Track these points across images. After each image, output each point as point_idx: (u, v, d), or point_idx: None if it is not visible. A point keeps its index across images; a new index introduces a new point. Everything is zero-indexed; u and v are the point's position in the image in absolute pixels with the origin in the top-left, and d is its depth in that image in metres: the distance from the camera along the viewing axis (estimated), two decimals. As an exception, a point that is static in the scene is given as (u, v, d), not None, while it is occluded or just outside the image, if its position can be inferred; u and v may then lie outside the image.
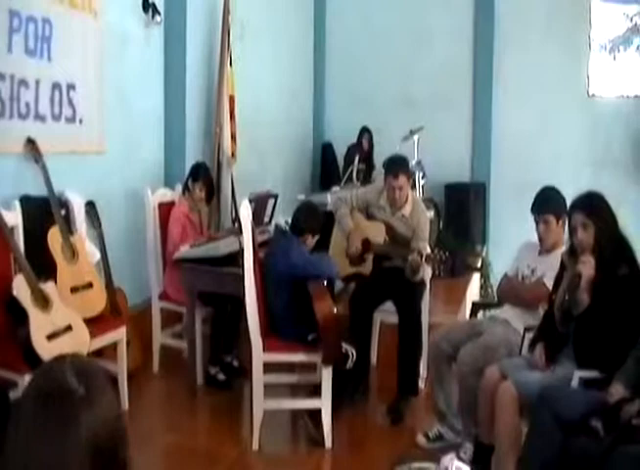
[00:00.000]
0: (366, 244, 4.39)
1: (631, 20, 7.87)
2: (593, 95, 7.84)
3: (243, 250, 3.69)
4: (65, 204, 4.05)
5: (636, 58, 7.88)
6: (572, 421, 2.67)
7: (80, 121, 4.41)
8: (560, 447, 2.67)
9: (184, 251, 4.38)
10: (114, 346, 3.96)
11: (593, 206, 3.08)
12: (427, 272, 4.37)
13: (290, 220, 4.10)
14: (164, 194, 4.88)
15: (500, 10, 7.85)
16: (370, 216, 4.47)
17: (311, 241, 3.93)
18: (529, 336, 3.36)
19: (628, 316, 2.94)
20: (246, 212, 3.73)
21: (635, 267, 3.01)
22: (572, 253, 3.12)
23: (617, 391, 2.72)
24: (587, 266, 2.96)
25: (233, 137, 5.78)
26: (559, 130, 7.75)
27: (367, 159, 7.43)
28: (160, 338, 4.72)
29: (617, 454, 2.39)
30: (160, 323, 4.73)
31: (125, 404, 4.00)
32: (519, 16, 7.80)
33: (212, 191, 4.99)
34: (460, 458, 3.35)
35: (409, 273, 4.09)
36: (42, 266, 3.59)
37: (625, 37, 7.90)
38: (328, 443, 3.71)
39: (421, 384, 4.35)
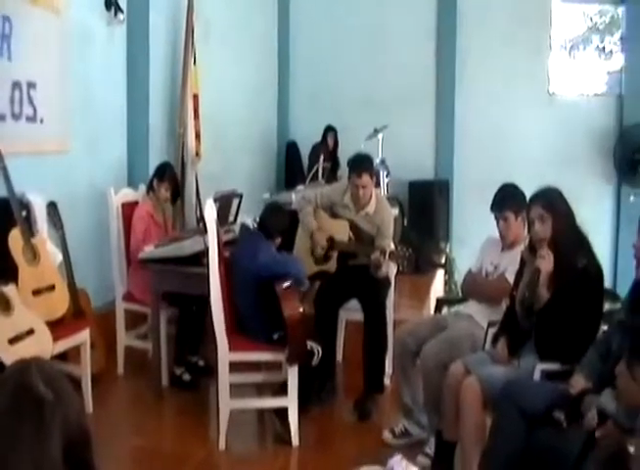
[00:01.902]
0: (330, 242, 4.41)
1: (591, 19, 8.01)
2: (554, 93, 7.97)
3: (208, 249, 3.68)
4: (26, 205, 3.98)
5: (595, 57, 8.03)
6: (536, 414, 2.71)
7: (41, 121, 4.35)
8: (524, 440, 2.71)
9: (149, 251, 4.34)
10: (77, 348, 3.92)
11: (550, 199, 3.13)
12: (391, 269, 4.40)
13: (256, 220, 4.09)
14: (128, 194, 4.84)
15: (462, 10, 7.94)
16: (334, 215, 4.48)
17: (278, 241, 3.94)
18: (493, 331, 3.41)
19: (587, 308, 3.00)
20: (210, 212, 3.72)
21: (593, 260, 3.07)
22: (532, 248, 3.18)
23: (579, 382, 2.77)
24: (546, 261, 3.02)
25: (197, 136, 5.76)
26: (520, 128, 7.86)
27: (332, 157, 7.45)
28: (124, 339, 4.68)
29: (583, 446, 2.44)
30: (125, 324, 4.68)
31: (90, 408, 3.95)
32: (481, 15, 7.89)
33: (178, 191, 4.97)
34: (425, 454, 3.40)
35: (373, 270, 4.12)
36: (3, 269, 3.54)
37: (585, 37, 8.04)
38: (295, 441, 3.72)
39: (387, 380, 4.38)
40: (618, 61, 7.93)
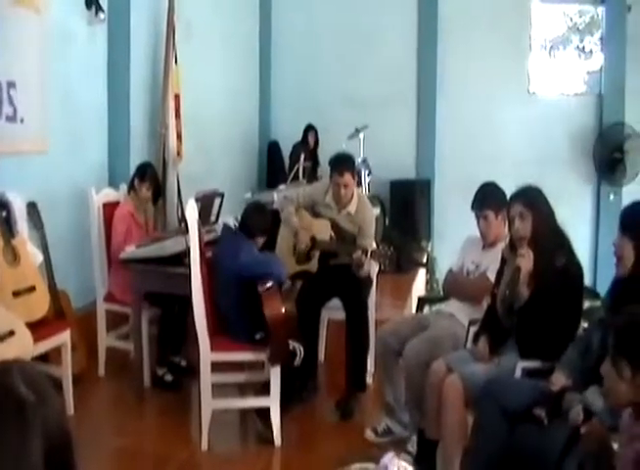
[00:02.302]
0: (312, 242, 4.42)
1: (571, 19, 8.08)
2: (534, 93, 8.03)
3: (189, 249, 3.67)
4: (5, 205, 3.95)
5: (575, 57, 8.10)
6: (517, 411, 2.74)
7: (22, 121, 4.31)
8: (505, 437, 2.74)
9: (130, 251, 4.32)
10: (58, 349, 3.89)
11: (531, 197, 3.17)
12: (373, 268, 4.41)
13: (238, 219, 4.09)
14: (109, 194, 4.81)
15: (444, 10, 7.97)
16: (316, 214, 4.49)
17: (260, 241, 3.94)
18: (474, 329, 3.43)
19: (567, 306, 3.03)
20: (192, 212, 3.71)
21: (572, 258, 3.10)
22: (512, 247, 3.20)
23: (559, 379, 2.80)
24: (526, 260, 3.05)
25: (179, 136, 5.74)
26: (501, 128, 7.92)
27: (313, 156, 7.46)
28: (105, 340, 4.65)
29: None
30: (106, 325, 4.65)
31: (71, 409, 3.92)
32: (461, 16, 7.93)
33: (159, 191, 4.96)
34: (408, 452, 3.41)
35: (355, 269, 4.13)
36: (-18, 270, 3.51)
37: (565, 37, 8.11)
38: (277, 441, 3.71)
39: (369, 379, 4.39)
40: (598, 60, 8.00)
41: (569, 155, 7.81)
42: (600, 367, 2.07)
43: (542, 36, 8.11)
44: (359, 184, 5.28)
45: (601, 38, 7.97)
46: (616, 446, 2.16)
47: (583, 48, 8.15)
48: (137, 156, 5.33)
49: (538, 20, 8.03)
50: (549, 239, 3.11)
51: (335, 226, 4.39)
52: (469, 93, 7.92)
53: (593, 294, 4.45)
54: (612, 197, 7.58)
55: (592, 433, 2.14)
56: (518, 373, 3.05)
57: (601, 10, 7.92)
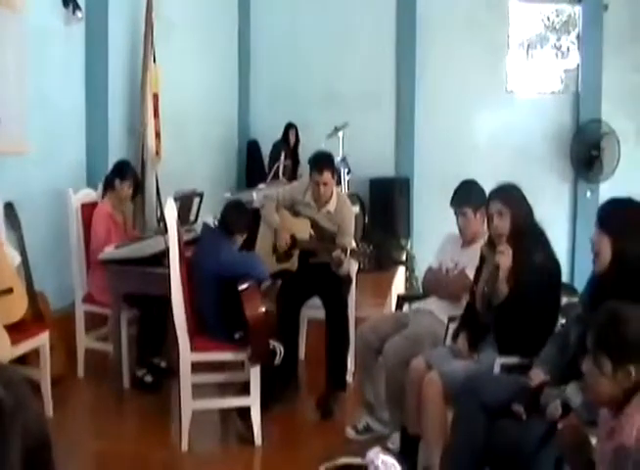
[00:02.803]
0: (292, 240, 4.41)
1: (548, 18, 8.13)
2: (512, 92, 8.07)
3: (169, 249, 3.65)
4: (-18, 206, 3.92)
5: (552, 55, 8.16)
6: (496, 406, 2.75)
7: (-1, 121, 4.27)
8: (484, 433, 2.75)
9: (109, 251, 4.30)
10: (36, 352, 3.86)
11: (509, 194, 3.19)
12: (353, 267, 4.42)
13: (218, 218, 4.07)
14: (87, 194, 4.78)
15: (422, 9, 7.99)
16: (296, 213, 4.49)
17: (240, 239, 3.93)
18: (453, 326, 3.44)
19: (545, 302, 3.06)
20: (171, 212, 3.69)
21: (550, 255, 3.13)
22: (491, 244, 3.22)
23: (537, 375, 2.82)
24: (504, 257, 3.07)
25: (157, 135, 5.71)
26: (479, 126, 7.96)
27: (293, 155, 7.45)
28: (84, 342, 4.61)
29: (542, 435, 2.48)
30: (85, 326, 4.62)
31: (50, 412, 3.88)
32: (440, 15, 7.96)
33: (138, 187, 4.94)
34: (388, 449, 3.42)
35: (334, 267, 4.14)
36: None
37: (542, 36, 8.16)
38: (258, 440, 3.71)
39: (349, 378, 4.40)
40: (575, 59, 8.06)
41: (546, 152, 7.86)
42: (579, 363, 2.09)
43: (519, 35, 8.16)
44: (339, 183, 5.28)
45: (577, 37, 8.03)
46: (594, 441, 2.18)
47: (560, 47, 8.20)
48: (115, 156, 5.30)
49: (516, 19, 8.08)
50: (527, 236, 3.13)
51: (314, 225, 4.39)
52: (447, 92, 7.95)
53: (571, 290, 4.49)
54: (589, 194, 7.65)
55: (569, 428, 2.15)
56: (497, 369, 3.07)
57: (577, 9, 7.98)
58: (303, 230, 4.40)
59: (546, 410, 2.52)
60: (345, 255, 4.02)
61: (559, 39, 8.18)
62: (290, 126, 7.59)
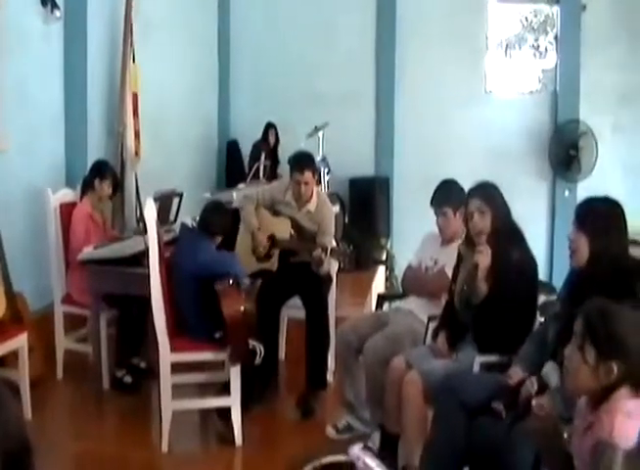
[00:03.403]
0: (272, 240, 4.41)
1: (526, 19, 8.20)
2: (490, 91, 8.13)
3: (148, 250, 3.64)
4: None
5: (530, 55, 8.22)
6: (475, 405, 2.77)
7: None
8: (464, 431, 2.76)
9: (88, 252, 4.27)
10: (15, 353, 3.82)
11: (489, 192, 3.21)
12: (333, 266, 4.42)
13: (197, 218, 4.06)
14: (66, 194, 4.74)
15: (402, 9, 8.02)
16: (276, 213, 4.49)
17: (219, 239, 3.92)
18: (433, 325, 3.46)
19: (523, 300, 3.08)
20: (150, 212, 3.68)
21: (527, 253, 3.16)
22: (469, 243, 3.24)
23: (516, 372, 2.84)
24: (484, 256, 3.08)
25: (137, 135, 5.69)
26: (459, 126, 7.98)
27: (272, 155, 7.44)
28: (63, 343, 4.57)
29: (517, 431, 2.49)
30: (64, 327, 4.58)
31: (29, 414, 3.85)
32: (419, 15, 7.99)
33: (117, 187, 4.91)
34: (368, 448, 3.43)
35: (314, 267, 4.14)
36: None
37: (520, 36, 8.22)
38: (238, 440, 3.71)
39: (329, 377, 4.40)
40: (553, 59, 8.13)
41: (525, 152, 7.92)
42: (557, 360, 2.10)
43: (498, 36, 8.22)
44: (319, 182, 5.29)
45: (555, 37, 8.10)
46: (566, 435, 2.20)
47: (538, 47, 8.28)
48: (95, 156, 5.26)
49: (494, 19, 8.13)
50: (506, 234, 3.16)
51: (295, 224, 4.39)
52: (427, 91, 7.98)
53: (549, 288, 4.52)
54: (567, 193, 7.72)
55: (543, 408, 2.17)
56: (476, 368, 3.09)
57: (556, 9, 8.05)
58: (284, 230, 4.40)
59: (522, 388, 2.55)
60: (326, 254, 4.03)
61: (537, 39, 8.25)
62: (269, 126, 7.58)
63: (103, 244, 4.39)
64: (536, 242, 3.43)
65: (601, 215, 2.69)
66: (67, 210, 4.62)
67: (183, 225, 4.10)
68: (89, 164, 4.99)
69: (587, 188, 6.92)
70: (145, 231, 3.73)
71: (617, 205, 2.74)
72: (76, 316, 4.64)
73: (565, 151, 7.58)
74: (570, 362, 2.05)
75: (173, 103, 6.96)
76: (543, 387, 2.44)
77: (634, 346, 1.95)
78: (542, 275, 3.45)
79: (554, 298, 3.59)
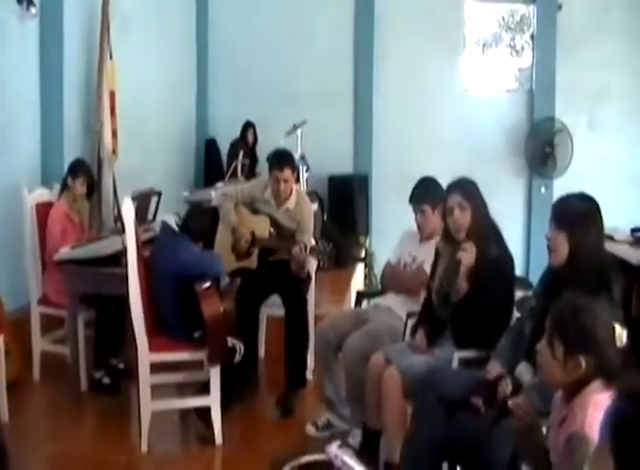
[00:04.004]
0: (251, 238, 4.40)
1: (503, 18, 8.25)
2: (467, 89, 8.17)
3: (126, 249, 3.61)
4: None
5: (507, 54, 8.28)
6: (454, 400, 2.78)
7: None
8: (444, 426, 2.78)
9: (65, 252, 4.24)
10: (-9, 355, 3.79)
11: (468, 188, 3.23)
12: (312, 265, 4.42)
13: (179, 219, 4.03)
14: (42, 194, 4.69)
15: (380, 7, 8.04)
16: (255, 211, 4.48)
17: (200, 244, 3.90)
18: (412, 322, 3.48)
19: (500, 296, 3.11)
20: (128, 211, 3.66)
21: (504, 250, 3.18)
22: (446, 239, 3.26)
23: (494, 368, 2.86)
24: (468, 254, 3.10)
25: (114, 134, 5.65)
26: (437, 123, 8.02)
27: (251, 153, 7.43)
28: (40, 344, 4.52)
29: (497, 431, 2.51)
30: (41, 329, 4.54)
31: (5, 416, 3.81)
32: (397, 13, 8.02)
33: (94, 186, 4.87)
34: (347, 445, 3.43)
35: (295, 269, 4.12)
36: None
37: (497, 35, 8.28)
38: (218, 439, 3.70)
39: (309, 375, 4.40)
40: (529, 58, 8.19)
41: (501, 149, 7.98)
42: (534, 355, 2.13)
43: (475, 34, 8.27)
44: (297, 180, 5.28)
45: (532, 36, 8.17)
46: (544, 429, 2.23)
47: (515, 46, 8.34)
48: (71, 154, 5.22)
49: (472, 18, 8.18)
50: (484, 231, 3.18)
51: (274, 223, 4.39)
52: (405, 89, 8.01)
53: (526, 284, 4.55)
54: (543, 190, 7.79)
55: (520, 406, 2.19)
56: (455, 363, 3.11)
57: (532, 8, 8.11)
58: (263, 228, 4.39)
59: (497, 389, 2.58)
60: (305, 252, 4.02)
61: (513, 38, 8.32)
62: (248, 125, 7.57)
63: (80, 244, 4.35)
64: (513, 238, 3.45)
65: (578, 213, 2.71)
66: (43, 209, 4.58)
67: (164, 224, 4.07)
68: (66, 164, 4.95)
69: (563, 185, 6.99)
70: (123, 230, 3.70)
71: (592, 201, 2.77)
72: (53, 317, 4.60)
73: (541, 148, 7.65)
74: (541, 357, 2.07)
75: (151, 101, 6.92)
76: (518, 387, 2.46)
77: (602, 339, 1.98)
78: (519, 271, 3.48)
79: (530, 293, 3.63)
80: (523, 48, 8.29)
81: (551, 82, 7.80)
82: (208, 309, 3.56)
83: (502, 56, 8.30)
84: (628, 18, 7.79)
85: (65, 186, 4.64)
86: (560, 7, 7.81)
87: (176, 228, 3.88)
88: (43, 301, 4.52)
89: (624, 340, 2.05)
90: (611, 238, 4.01)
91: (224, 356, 3.67)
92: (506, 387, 2.57)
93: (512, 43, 8.31)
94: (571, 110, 7.73)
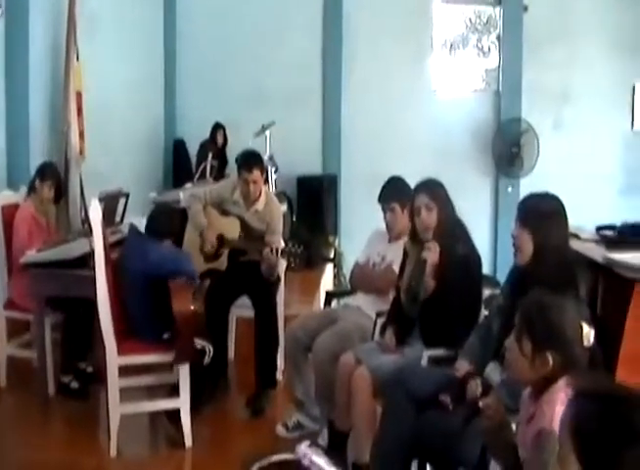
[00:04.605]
0: (221, 240, 4.39)
1: (470, 20, 8.33)
2: (435, 90, 8.23)
3: (94, 251, 3.58)
4: None
5: (474, 55, 8.36)
6: (423, 398, 2.80)
7: None
8: (412, 424, 2.80)
9: (31, 255, 4.18)
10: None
11: (435, 189, 3.26)
12: (281, 265, 4.42)
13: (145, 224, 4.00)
14: (8, 196, 4.63)
15: (348, 8, 8.06)
16: (224, 212, 4.47)
17: (167, 243, 3.88)
18: (381, 321, 3.49)
19: (468, 294, 3.14)
20: (96, 213, 3.63)
21: (472, 249, 3.21)
22: (415, 239, 3.28)
23: (463, 366, 2.89)
24: (432, 252, 3.13)
25: (81, 135, 5.60)
26: (405, 124, 8.07)
27: (220, 155, 7.40)
28: (6, 349, 4.46)
29: (469, 430, 2.53)
30: (7, 333, 4.47)
31: (-29, 423, 3.77)
32: (366, 14, 8.05)
33: (61, 191, 4.81)
34: (317, 445, 3.44)
35: (266, 271, 4.12)
36: None
37: (464, 36, 8.35)
38: (188, 442, 3.68)
39: (279, 375, 4.40)
40: (495, 59, 8.28)
41: (469, 149, 8.06)
42: (501, 352, 2.15)
43: (443, 36, 8.33)
44: (266, 181, 5.28)
45: (498, 37, 8.25)
46: (514, 425, 2.25)
47: (482, 47, 8.41)
48: (37, 156, 5.16)
49: (439, 20, 8.24)
50: (452, 230, 3.21)
51: (243, 224, 4.38)
52: (374, 89, 8.04)
53: (493, 282, 4.61)
54: (510, 189, 7.88)
55: (491, 408, 2.22)
56: (424, 362, 3.13)
57: (498, 10, 8.20)
58: (232, 229, 4.38)
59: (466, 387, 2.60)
60: (276, 254, 4.02)
61: (480, 40, 8.39)
62: (217, 127, 7.53)
63: (47, 246, 4.30)
64: (480, 237, 3.49)
65: (542, 211, 2.75)
66: (9, 212, 4.51)
67: (132, 226, 4.04)
68: (32, 165, 4.89)
69: (529, 184, 7.07)
70: (90, 232, 3.67)
71: (557, 200, 2.81)
72: (19, 321, 4.53)
73: (507, 148, 7.74)
74: (509, 354, 2.10)
75: (118, 102, 6.85)
76: (488, 387, 2.49)
77: (570, 336, 2.01)
78: (486, 270, 3.52)
79: (498, 291, 3.67)
80: (489, 49, 8.37)
81: (517, 83, 7.91)
82: (179, 305, 3.55)
83: (469, 57, 8.37)
84: (592, 19, 7.92)
85: (32, 188, 4.58)
86: (525, 8, 7.91)
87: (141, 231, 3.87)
88: (9, 304, 4.46)
89: (592, 339, 2.08)
90: (576, 236, 4.06)
91: (191, 356, 3.65)
92: (476, 388, 2.59)
93: (479, 44, 8.39)
94: (536, 110, 7.85)
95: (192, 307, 3.60)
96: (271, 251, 4.02)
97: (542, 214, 2.74)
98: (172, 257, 3.85)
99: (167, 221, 3.89)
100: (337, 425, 3.37)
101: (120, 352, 3.60)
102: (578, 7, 7.92)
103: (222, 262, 4.39)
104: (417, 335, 3.25)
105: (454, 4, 8.25)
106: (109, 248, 3.78)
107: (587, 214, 4.61)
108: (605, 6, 7.90)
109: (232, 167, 5.60)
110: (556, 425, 1.89)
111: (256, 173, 4.30)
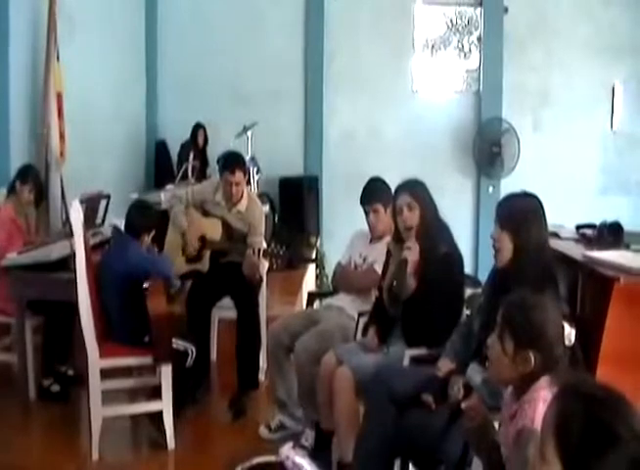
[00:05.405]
0: (203, 241, 4.38)
1: (451, 20, 8.37)
2: (417, 91, 8.27)
3: (75, 253, 3.56)
4: None
5: (455, 56, 8.41)
6: (405, 397, 2.81)
7: None
8: (395, 423, 2.80)
9: (11, 257, 4.15)
10: None
11: (416, 189, 3.27)
12: (263, 266, 4.42)
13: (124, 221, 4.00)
14: (-13, 199, 4.60)
15: (330, 8, 8.08)
16: (206, 213, 4.45)
17: (147, 239, 3.87)
18: (363, 321, 3.50)
19: (450, 294, 3.15)
20: (76, 214, 3.60)
21: (453, 248, 3.23)
22: (397, 239, 3.29)
23: (445, 365, 2.90)
24: (413, 252, 3.14)
25: (61, 136, 5.56)
26: (386, 125, 8.12)
27: (201, 155, 7.39)
28: (-14, 353, 4.44)
29: (452, 431, 2.55)
30: (-14, 337, 4.45)
31: (-51, 429, 3.73)
32: (347, 15, 8.09)
33: (42, 194, 4.77)
34: (301, 446, 3.45)
35: (248, 273, 4.11)
36: None
37: (445, 37, 8.40)
38: (171, 444, 3.67)
39: (261, 376, 4.39)
40: (476, 60, 8.33)
41: (450, 150, 8.11)
42: (482, 351, 2.16)
43: (424, 36, 8.37)
44: (248, 182, 5.27)
45: (479, 38, 8.31)
46: (497, 424, 2.27)
47: (462, 48, 8.47)
48: (17, 157, 5.13)
49: (420, 20, 8.29)
50: (433, 230, 3.22)
51: (225, 225, 4.37)
52: (354, 91, 8.08)
53: (474, 282, 4.62)
54: (491, 189, 7.95)
55: (473, 408, 2.23)
56: (406, 361, 3.14)
57: (479, 11, 8.25)
58: (214, 230, 4.37)
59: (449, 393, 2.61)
60: (258, 255, 4.02)
61: (461, 40, 8.44)
62: (198, 127, 7.52)
63: (27, 249, 4.26)
64: (462, 237, 3.51)
65: (521, 211, 2.77)
66: (-13, 214, 4.48)
67: (114, 228, 4.02)
68: (12, 167, 4.85)
69: (510, 184, 7.12)
70: (71, 234, 3.65)
71: (535, 199, 2.83)
72: (-1, 325, 4.50)
73: (488, 148, 7.80)
74: (491, 352, 2.11)
75: (99, 103, 6.82)
76: (469, 389, 2.50)
77: (551, 335, 2.02)
78: (468, 269, 3.54)
79: (479, 291, 3.69)
80: (470, 50, 8.42)
81: (498, 84, 7.96)
82: (153, 305, 3.54)
83: (450, 58, 8.43)
84: (572, 20, 7.99)
85: (12, 190, 4.55)
86: (506, 10, 7.98)
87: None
88: (-12, 308, 4.42)
89: (572, 339, 2.09)
90: (556, 235, 4.10)
91: (170, 356, 3.64)
92: (458, 391, 2.60)
93: (460, 45, 8.44)
94: (517, 111, 7.91)
95: (166, 307, 3.59)
96: (253, 252, 4.02)
97: (520, 215, 2.75)
98: (148, 258, 3.84)
99: (143, 215, 3.88)
100: (321, 425, 3.37)
101: (102, 354, 3.58)
102: (558, 8, 8.00)
103: (204, 264, 4.38)
104: (399, 334, 3.26)
105: (435, 5, 8.30)
106: (89, 250, 3.76)
107: (567, 214, 4.65)
108: (584, 7, 7.98)
109: (213, 168, 5.60)
110: (537, 424, 1.90)
111: (239, 175, 4.29)
